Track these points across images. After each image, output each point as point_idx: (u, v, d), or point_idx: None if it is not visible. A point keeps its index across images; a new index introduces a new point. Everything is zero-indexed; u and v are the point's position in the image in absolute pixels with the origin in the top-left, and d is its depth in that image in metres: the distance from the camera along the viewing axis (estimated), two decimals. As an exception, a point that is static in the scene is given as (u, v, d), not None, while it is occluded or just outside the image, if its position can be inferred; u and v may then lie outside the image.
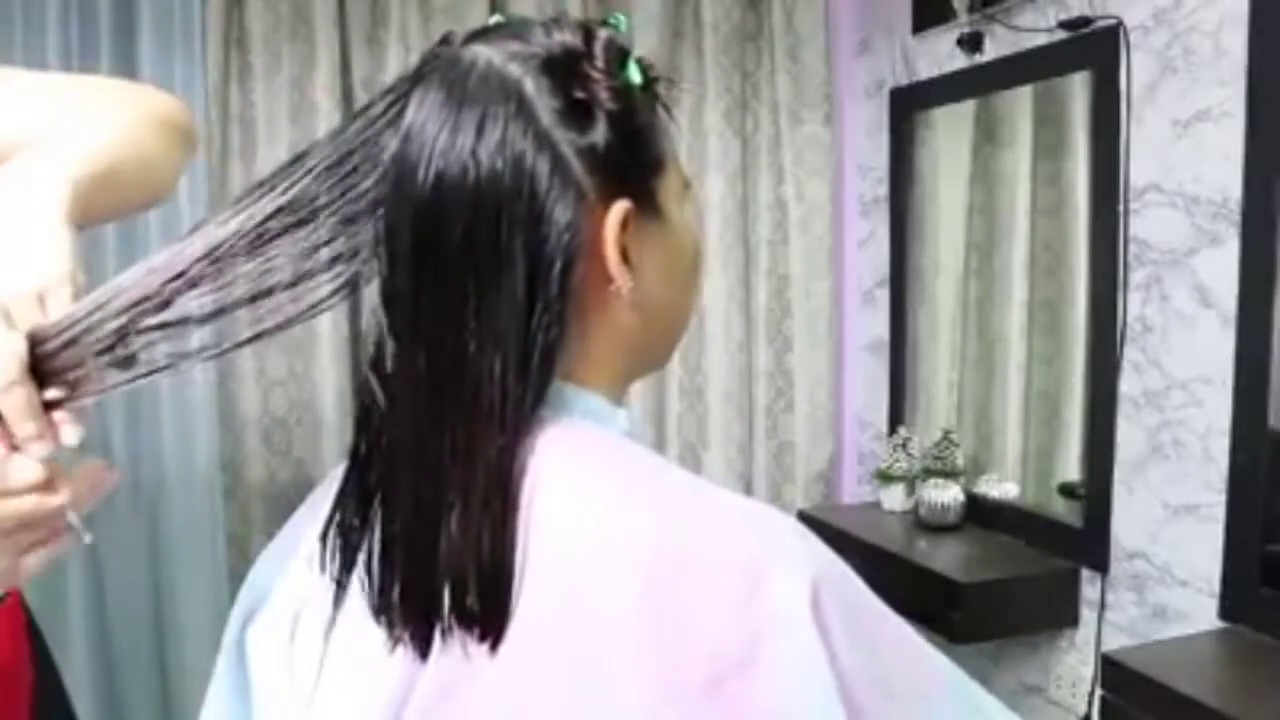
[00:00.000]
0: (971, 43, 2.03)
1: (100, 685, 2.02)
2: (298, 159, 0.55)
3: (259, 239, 0.53)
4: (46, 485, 0.53)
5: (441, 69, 0.54)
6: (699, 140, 2.38)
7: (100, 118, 0.73)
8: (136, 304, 0.53)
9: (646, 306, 0.58)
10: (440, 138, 0.52)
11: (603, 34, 0.56)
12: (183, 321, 0.53)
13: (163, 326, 0.53)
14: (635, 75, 0.56)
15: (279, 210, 0.54)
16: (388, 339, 0.53)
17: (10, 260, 0.58)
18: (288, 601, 0.62)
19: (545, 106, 0.53)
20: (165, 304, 0.53)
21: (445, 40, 0.57)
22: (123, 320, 0.53)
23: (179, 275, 0.53)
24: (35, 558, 0.56)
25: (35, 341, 0.53)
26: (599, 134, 0.54)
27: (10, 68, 0.79)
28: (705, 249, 2.36)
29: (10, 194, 0.63)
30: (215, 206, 2.05)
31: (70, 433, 0.54)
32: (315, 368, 2.14)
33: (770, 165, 2.44)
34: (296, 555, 0.63)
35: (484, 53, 0.54)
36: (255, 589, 0.67)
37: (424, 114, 0.52)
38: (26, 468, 0.53)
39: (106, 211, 0.71)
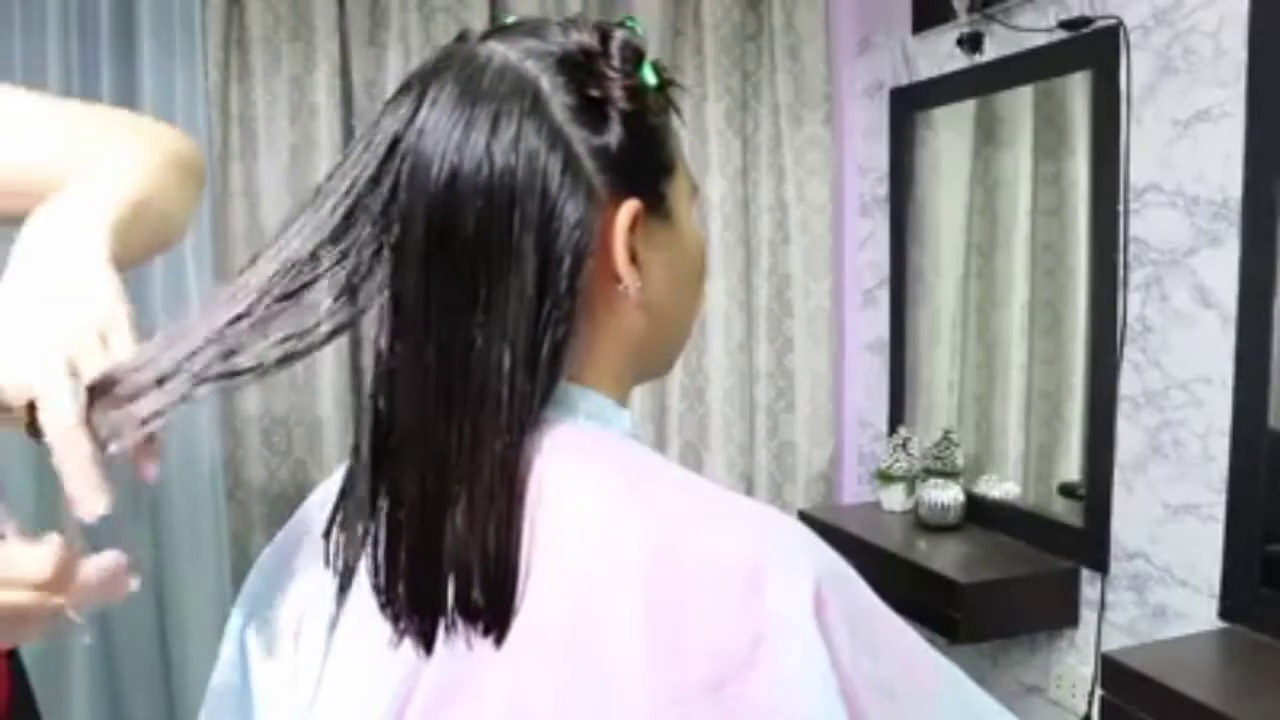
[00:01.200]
0: (971, 43, 2.03)
1: (102, 685, 2.02)
2: (338, 170, 0.54)
3: (314, 268, 0.52)
4: (55, 583, 0.47)
5: (457, 65, 0.54)
6: (700, 140, 2.38)
7: (125, 154, 0.70)
8: (203, 347, 0.50)
9: (653, 308, 0.59)
10: (455, 133, 0.52)
11: (619, 34, 0.57)
12: (257, 368, 0.51)
13: (233, 374, 0.51)
14: (650, 76, 0.57)
15: (328, 237, 0.53)
16: (397, 332, 0.54)
17: (65, 302, 0.54)
18: (290, 600, 0.63)
19: (559, 104, 0.53)
20: (231, 350, 0.51)
21: (461, 37, 0.57)
22: (195, 364, 0.50)
23: (241, 316, 0.51)
24: (16, 638, 0.50)
25: (106, 385, 0.50)
26: (612, 134, 0.54)
27: (13, 88, 0.75)
28: (708, 251, 2.37)
29: (53, 235, 0.59)
30: (215, 207, 2.06)
31: (151, 471, 0.51)
32: (315, 368, 2.14)
33: (771, 165, 2.44)
34: (299, 554, 0.64)
35: (500, 50, 0.54)
36: (257, 588, 0.67)
37: (439, 109, 0.53)
38: (37, 562, 0.47)
39: (136, 253, 0.66)
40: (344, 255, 0.53)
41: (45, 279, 0.56)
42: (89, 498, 0.49)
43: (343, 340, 2.14)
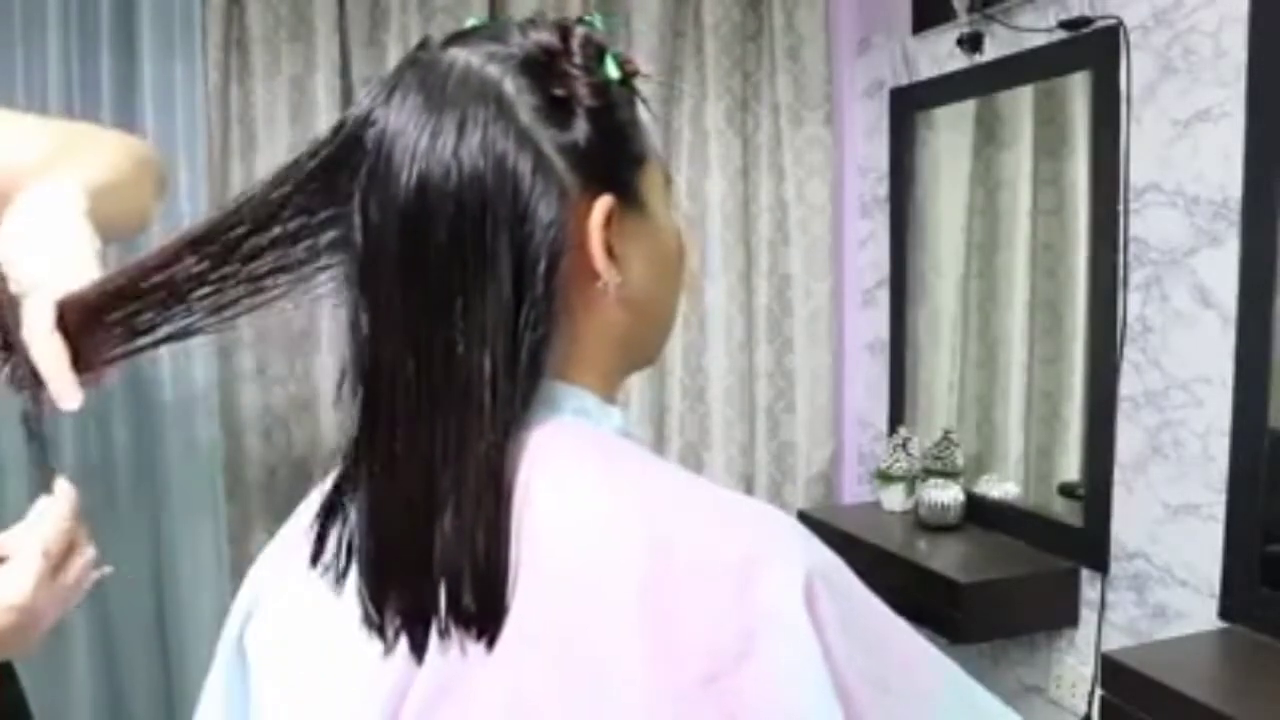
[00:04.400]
0: (971, 43, 2.03)
1: (102, 684, 2.02)
2: (293, 164, 0.57)
3: (252, 243, 0.58)
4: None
5: (420, 72, 0.54)
6: (700, 140, 2.38)
7: (100, 147, 0.89)
8: (157, 286, 0.60)
9: (634, 302, 0.59)
10: (421, 141, 0.52)
11: (579, 31, 0.56)
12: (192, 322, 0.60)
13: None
14: (613, 71, 0.57)
15: (268, 216, 0.57)
16: (377, 339, 0.53)
17: (44, 245, 0.70)
18: (287, 602, 0.62)
19: (525, 105, 0.53)
20: (179, 290, 0.60)
21: (422, 45, 0.57)
22: (146, 298, 0.60)
23: (175, 263, 0.59)
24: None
25: (68, 306, 0.62)
26: (579, 131, 0.54)
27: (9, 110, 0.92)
28: (700, 246, 2.37)
29: (39, 199, 0.76)
30: (215, 206, 2.05)
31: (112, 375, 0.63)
32: (315, 366, 2.14)
33: (771, 165, 2.44)
34: (295, 556, 0.63)
35: (462, 55, 0.54)
36: (255, 588, 0.67)
37: (405, 117, 0.53)
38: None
39: (103, 223, 0.81)
40: (286, 230, 0.57)
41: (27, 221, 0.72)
42: (66, 392, 0.63)
43: (344, 339, 2.14)
